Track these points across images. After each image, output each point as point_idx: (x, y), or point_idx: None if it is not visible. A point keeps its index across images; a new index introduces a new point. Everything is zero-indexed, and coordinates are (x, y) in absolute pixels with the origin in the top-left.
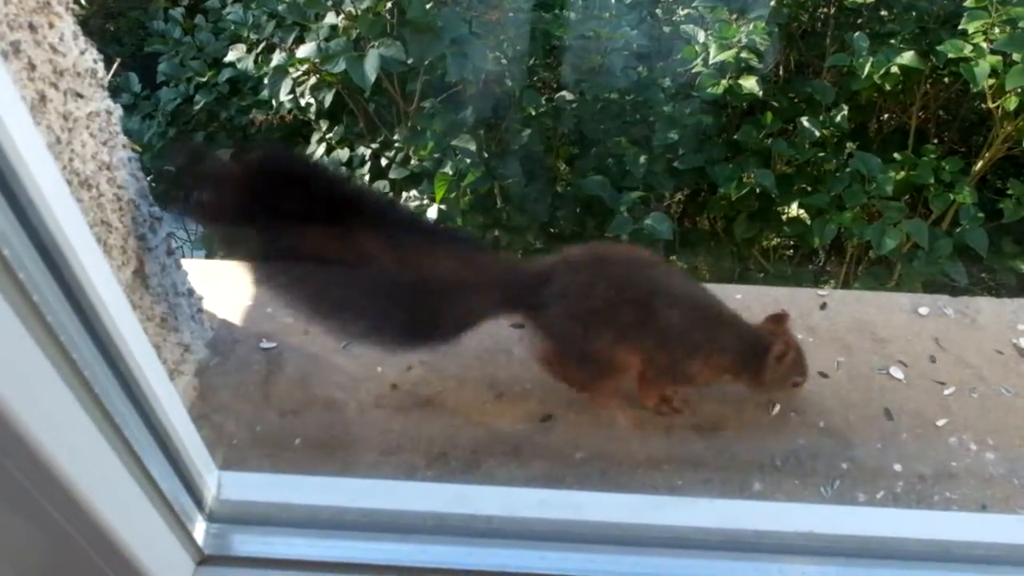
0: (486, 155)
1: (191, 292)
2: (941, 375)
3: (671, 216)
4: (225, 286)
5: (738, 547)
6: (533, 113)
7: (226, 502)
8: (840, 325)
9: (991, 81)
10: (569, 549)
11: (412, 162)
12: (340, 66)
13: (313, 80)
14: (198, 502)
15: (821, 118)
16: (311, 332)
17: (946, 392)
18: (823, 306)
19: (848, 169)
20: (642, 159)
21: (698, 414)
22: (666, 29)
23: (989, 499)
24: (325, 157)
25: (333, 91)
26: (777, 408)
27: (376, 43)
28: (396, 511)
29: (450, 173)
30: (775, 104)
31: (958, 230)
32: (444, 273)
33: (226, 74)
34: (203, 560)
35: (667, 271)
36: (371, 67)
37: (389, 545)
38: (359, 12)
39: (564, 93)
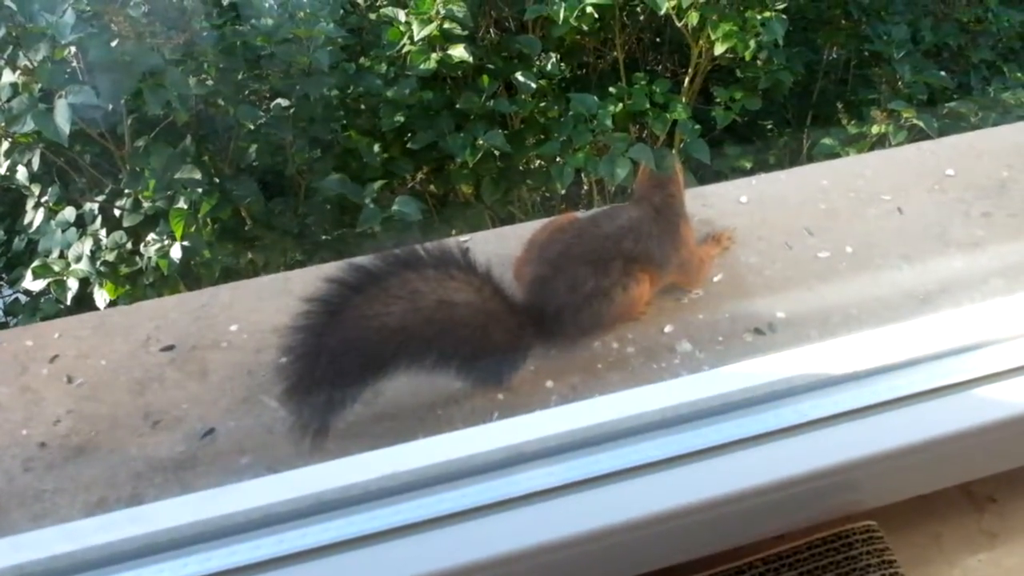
0: (217, 180)
1: None
2: None
3: (419, 196)
4: None
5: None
6: (252, 127)
7: None
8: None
9: (673, 3)
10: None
11: (145, 205)
12: (29, 125)
13: (6, 145)
14: None
15: (534, 70)
16: None
17: None
18: (465, 251)
19: (571, 112)
20: (376, 147)
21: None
22: (372, 16)
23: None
24: (50, 223)
25: (37, 152)
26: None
27: (63, 92)
28: None
29: (184, 207)
30: (490, 66)
31: (682, 145)
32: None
33: None
34: None
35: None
36: (63, 119)
37: None
38: (36, 64)
39: (280, 100)
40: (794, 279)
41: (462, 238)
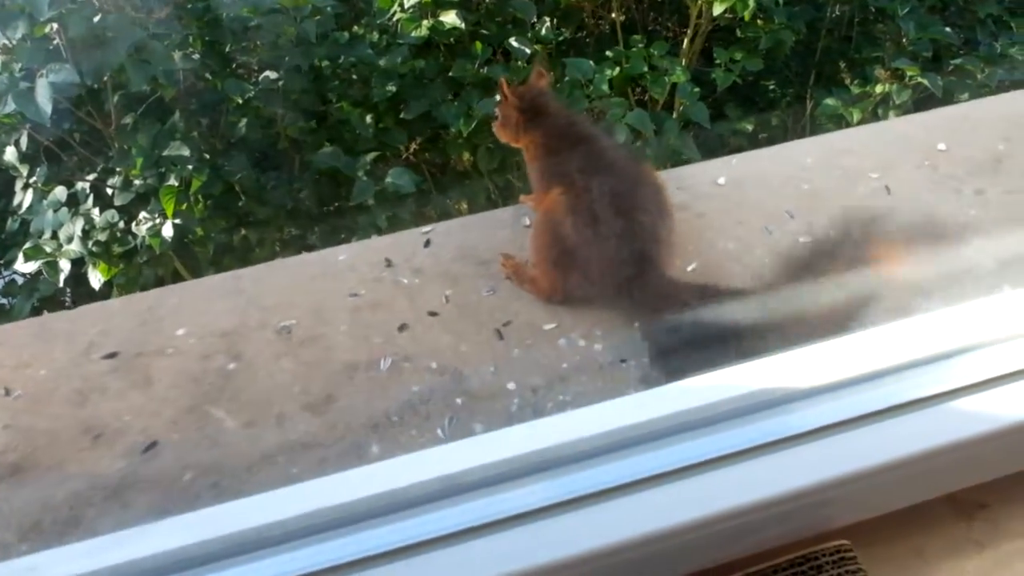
0: (207, 156)
1: None
2: None
3: (416, 168)
4: None
5: (346, 521)
6: (241, 101)
7: None
8: (445, 258)
9: None
10: None
11: (136, 183)
12: (10, 105)
13: None
14: None
15: (529, 35)
16: None
17: None
18: (427, 243)
19: (567, 78)
20: (368, 118)
21: (310, 392)
22: None
23: (601, 390)
24: (41, 203)
25: (24, 132)
26: (389, 362)
27: (43, 71)
28: None
29: (175, 184)
30: (484, 32)
31: (681, 108)
32: None
33: None
34: None
35: None
36: (44, 99)
37: None
38: (14, 43)
39: (268, 73)
40: (774, 268)
41: (423, 228)
